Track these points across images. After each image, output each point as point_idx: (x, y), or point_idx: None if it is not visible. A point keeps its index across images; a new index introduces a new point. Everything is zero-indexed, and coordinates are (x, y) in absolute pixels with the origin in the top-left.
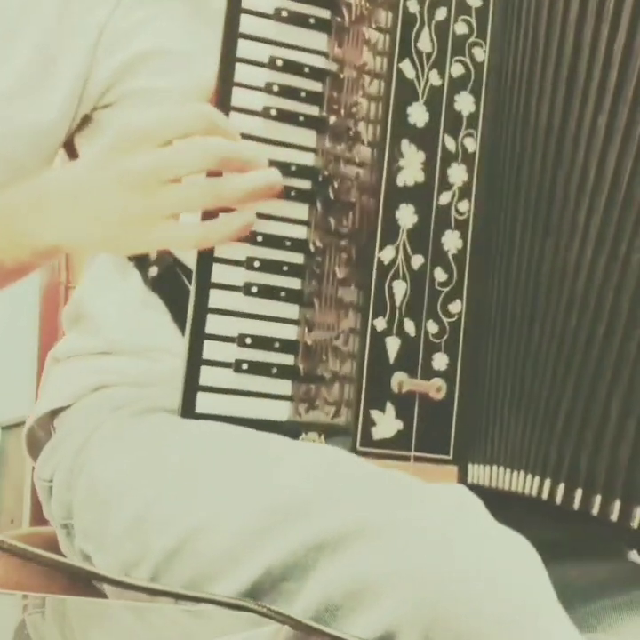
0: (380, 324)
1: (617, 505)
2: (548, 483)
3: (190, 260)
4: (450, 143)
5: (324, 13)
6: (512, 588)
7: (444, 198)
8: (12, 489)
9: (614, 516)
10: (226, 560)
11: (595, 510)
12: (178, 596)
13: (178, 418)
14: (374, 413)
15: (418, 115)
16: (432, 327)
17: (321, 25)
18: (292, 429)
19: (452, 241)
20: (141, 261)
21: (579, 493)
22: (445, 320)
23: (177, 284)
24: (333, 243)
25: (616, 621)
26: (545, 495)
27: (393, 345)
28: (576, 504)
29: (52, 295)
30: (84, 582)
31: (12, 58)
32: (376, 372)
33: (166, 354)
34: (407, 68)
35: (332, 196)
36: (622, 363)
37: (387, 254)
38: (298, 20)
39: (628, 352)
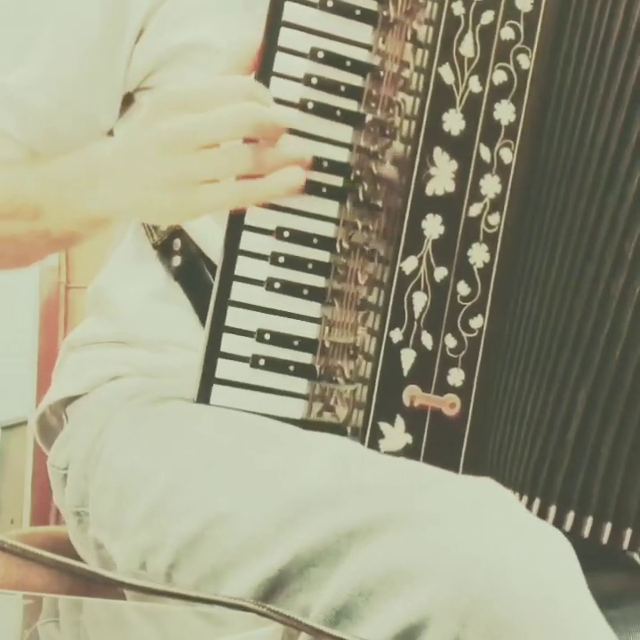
0: (397, 335)
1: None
2: (553, 509)
3: (213, 252)
4: (485, 153)
5: (371, 5)
6: (548, 578)
7: (474, 210)
8: (12, 489)
9: (605, 538)
10: (250, 547)
11: (605, 538)
12: (178, 596)
13: (195, 405)
14: (383, 426)
15: (453, 122)
16: (450, 341)
17: (367, 17)
18: (304, 428)
19: (478, 254)
20: (165, 251)
21: (589, 521)
22: (465, 335)
23: (199, 275)
24: (359, 245)
25: (625, 634)
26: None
27: (408, 357)
28: (585, 531)
29: (52, 295)
30: (85, 582)
31: (75, 42)
32: (388, 384)
33: (183, 348)
34: (446, 73)
35: (361, 198)
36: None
37: (409, 265)
38: (344, 10)
39: None
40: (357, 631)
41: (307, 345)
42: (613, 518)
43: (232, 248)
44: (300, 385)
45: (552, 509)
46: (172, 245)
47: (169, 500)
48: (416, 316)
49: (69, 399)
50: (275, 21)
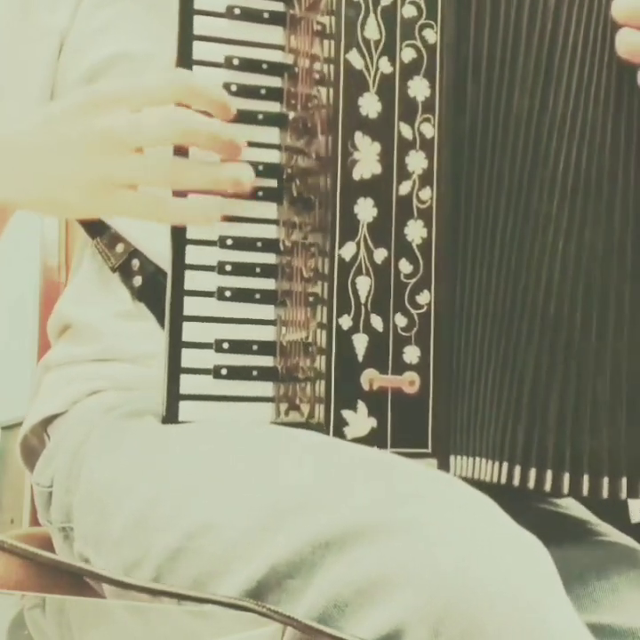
0: (346, 322)
1: (585, 480)
2: (519, 469)
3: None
4: (406, 131)
5: (278, 6)
6: (523, 585)
7: (404, 188)
8: (11, 489)
9: (585, 491)
10: (230, 557)
11: (565, 489)
12: (178, 596)
13: None
14: (346, 413)
15: (370, 105)
16: (400, 320)
17: (275, 18)
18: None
19: (415, 231)
20: (125, 272)
21: (548, 474)
22: (414, 312)
23: (161, 292)
24: (300, 242)
25: (615, 602)
26: (518, 482)
27: (360, 342)
28: (547, 485)
29: (52, 295)
30: (83, 583)
31: None
32: (345, 371)
33: (156, 360)
34: (355, 58)
35: (294, 194)
36: (596, 349)
37: (347, 251)
38: (251, 15)
39: (600, 339)
40: None
41: (266, 348)
42: (570, 468)
43: (178, 264)
44: (266, 388)
45: (517, 470)
46: (131, 266)
47: (151, 513)
48: (362, 300)
49: (50, 418)
50: (186, 36)
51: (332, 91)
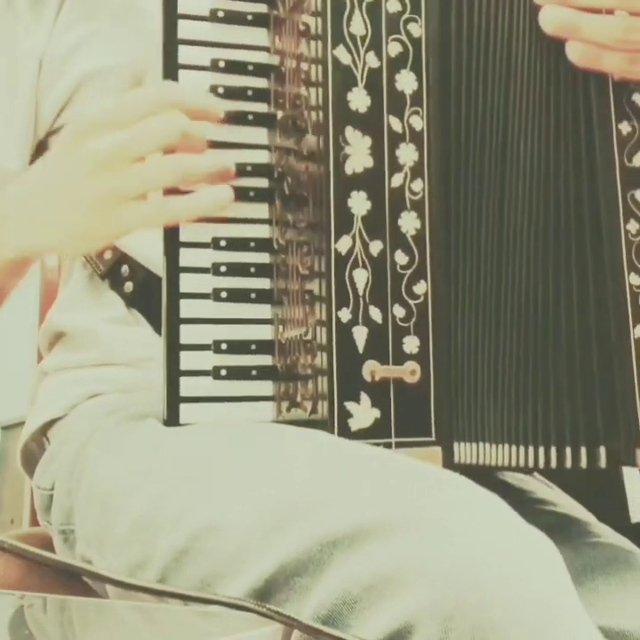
0: (345, 315)
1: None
2: (530, 450)
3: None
4: (396, 124)
5: (261, 8)
6: (532, 583)
7: (396, 180)
8: (11, 489)
9: (583, 463)
10: (237, 557)
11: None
12: (177, 596)
13: None
14: (349, 405)
15: (359, 100)
16: (399, 311)
17: (259, 20)
18: None
19: (409, 222)
20: (115, 279)
21: (553, 451)
22: (412, 302)
23: (153, 297)
24: (294, 237)
25: (610, 604)
26: (528, 463)
27: (360, 334)
28: (553, 462)
29: (52, 295)
30: (83, 583)
31: None
32: (346, 363)
33: (158, 364)
34: (342, 53)
35: (287, 192)
36: (585, 331)
37: (343, 244)
38: (235, 18)
39: (588, 323)
40: None
41: (264, 347)
42: (570, 441)
43: (173, 267)
44: (266, 387)
45: (521, 450)
46: (120, 272)
47: (155, 514)
48: (360, 292)
49: (50, 423)
50: (171, 40)
51: (320, 88)
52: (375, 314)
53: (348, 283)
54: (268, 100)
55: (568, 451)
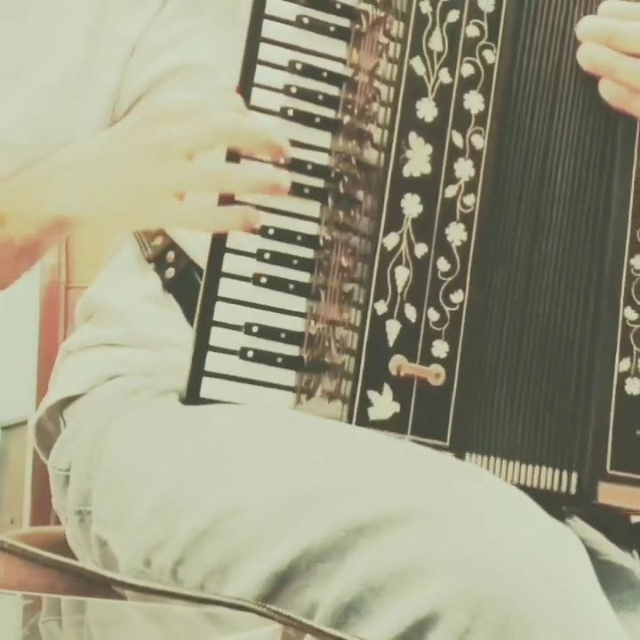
0: (381, 307)
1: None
2: (537, 470)
3: (203, 261)
4: (457, 139)
5: (344, 22)
6: (559, 575)
7: (450, 191)
8: (12, 489)
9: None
10: (259, 541)
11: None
12: (177, 596)
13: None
14: (371, 394)
15: (426, 110)
16: (433, 315)
17: (340, 33)
18: None
19: (456, 233)
20: (159, 263)
21: (572, 477)
22: (447, 309)
23: (191, 286)
24: (341, 236)
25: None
26: (538, 484)
27: (393, 328)
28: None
29: (52, 295)
30: (85, 582)
31: (55, 57)
32: (375, 353)
33: (180, 349)
34: (417, 64)
35: (342, 191)
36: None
37: (390, 240)
38: (318, 27)
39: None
40: (367, 626)
41: (293, 338)
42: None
43: (219, 246)
44: (289, 377)
45: (530, 470)
46: (165, 258)
47: (177, 495)
48: (399, 289)
49: (66, 402)
50: (254, 37)
51: (393, 89)
52: (410, 312)
53: (388, 278)
54: (336, 107)
55: (574, 477)
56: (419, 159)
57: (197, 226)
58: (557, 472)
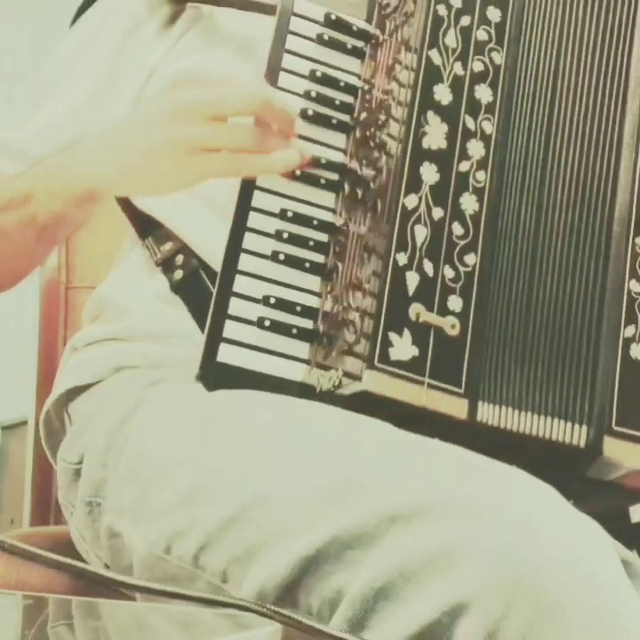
0: (402, 259)
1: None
2: (549, 421)
3: (215, 263)
4: (470, 123)
5: (359, 43)
6: (593, 566)
7: (464, 166)
8: (12, 489)
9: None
10: (288, 528)
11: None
12: (177, 596)
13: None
14: (392, 336)
15: (443, 94)
16: (449, 272)
17: (356, 52)
18: (306, 389)
19: (469, 203)
20: (168, 266)
21: (582, 430)
22: (462, 268)
23: (199, 288)
24: (360, 206)
25: None
26: (550, 434)
27: (413, 279)
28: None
29: (52, 295)
30: (84, 582)
31: (81, 81)
32: (396, 299)
33: (186, 341)
34: (435, 55)
35: (360, 171)
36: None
37: (410, 201)
38: (337, 45)
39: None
40: (397, 611)
41: (308, 312)
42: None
43: (240, 225)
44: (303, 349)
45: (544, 420)
46: (174, 261)
47: (205, 484)
48: (418, 245)
49: (72, 395)
50: (278, 48)
51: (413, 74)
52: (428, 267)
53: (408, 233)
54: (351, 113)
55: (584, 429)
56: (436, 135)
57: (239, 170)
58: (567, 424)
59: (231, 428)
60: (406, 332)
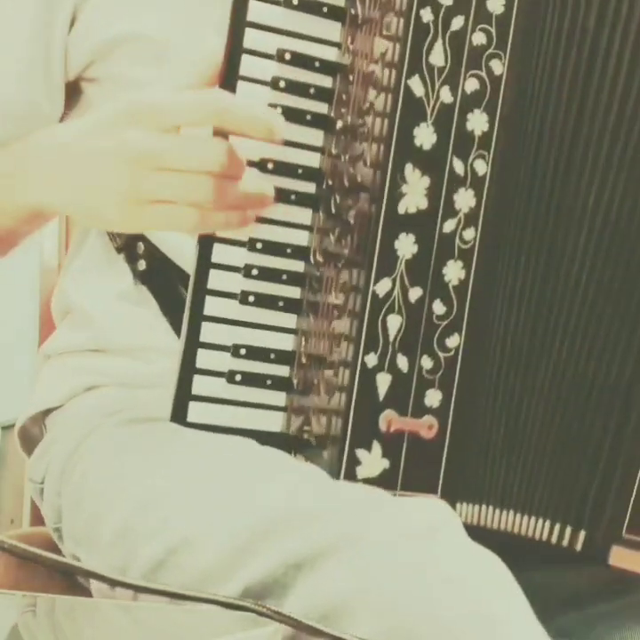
0: (371, 360)
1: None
2: (533, 521)
3: (177, 256)
4: (458, 166)
5: (339, 1)
6: (485, 610)
7: (448, 226)
8: (11, 489)
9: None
10: (208, 576)
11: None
12: (177, 596)
13: (171, 426)
14: (360, 452)
15: (425, 136)
16: (426, 363)
17: (334, 13)
18: (283, 441)
19: (453, 271)
20: (130, 254)
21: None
22: (441, 355)
23: (165, 278)
24: (333, 254)
25: (609, 628)
26: (531, 533)
27: (383, 382)
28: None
29: (51, 295)
30: (79, 583)
31: (8, 39)
32: (364, 409)
33: (160, 354)
34: (416, 84)
35: (333, 210)
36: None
37: (382, 287)
38: (310, 7)
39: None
40: None
41: (283, 357)
42: (587, 526)
43: (204, 261)
44: (279, 398)
45: (527, 519)
46: (136, 248)
47: (137, 521)
48: (391, 339)
49: (49, 409)
50: (239, 22)
51: (388, 115)
52: (402, 362)
53: (379, 327)
54: (330, 101)
55: (568, 530)
56: (415, 194)
57: (187, 229)
58: (558, 525)
59: (168, 465)
60: (376, 445)
